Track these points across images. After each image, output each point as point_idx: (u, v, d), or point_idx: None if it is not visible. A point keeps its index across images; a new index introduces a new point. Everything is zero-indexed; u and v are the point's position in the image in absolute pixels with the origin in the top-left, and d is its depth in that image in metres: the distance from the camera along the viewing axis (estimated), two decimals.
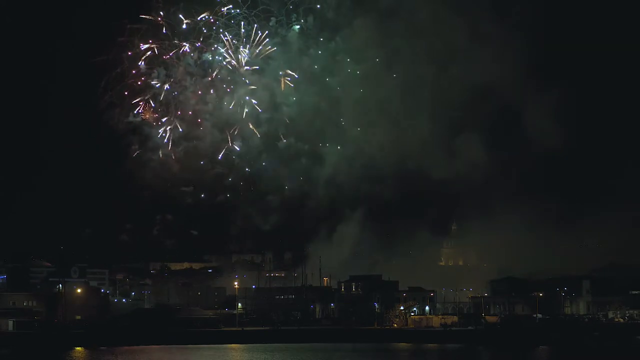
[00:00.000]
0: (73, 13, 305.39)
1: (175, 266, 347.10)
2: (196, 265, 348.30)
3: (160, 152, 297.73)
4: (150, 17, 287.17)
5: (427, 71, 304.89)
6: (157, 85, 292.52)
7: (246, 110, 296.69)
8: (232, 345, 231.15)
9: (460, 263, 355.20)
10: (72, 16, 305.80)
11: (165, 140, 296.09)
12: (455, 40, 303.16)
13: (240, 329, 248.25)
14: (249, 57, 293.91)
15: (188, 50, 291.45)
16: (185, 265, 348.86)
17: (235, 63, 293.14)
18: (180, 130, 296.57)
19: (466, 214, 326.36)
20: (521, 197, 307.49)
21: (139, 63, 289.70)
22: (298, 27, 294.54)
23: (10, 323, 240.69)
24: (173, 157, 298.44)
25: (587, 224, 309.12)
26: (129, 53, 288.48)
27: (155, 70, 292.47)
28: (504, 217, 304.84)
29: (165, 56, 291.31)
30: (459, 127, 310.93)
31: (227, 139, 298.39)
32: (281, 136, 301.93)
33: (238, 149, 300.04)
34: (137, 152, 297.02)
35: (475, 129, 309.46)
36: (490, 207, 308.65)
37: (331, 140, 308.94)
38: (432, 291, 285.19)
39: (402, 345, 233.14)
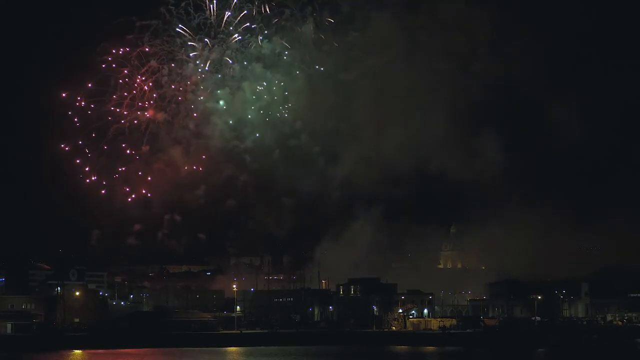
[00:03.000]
0: (81, 9, 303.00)
1: (174, 269, 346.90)
2: (195, 268, 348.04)
3: (169, 152, 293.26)
4: (160, 13, 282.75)
5: (447, 67, 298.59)
6: (166, 83, 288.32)
7: (254, 107, 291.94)
8: (231, 348, 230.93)
9: (459, 266, 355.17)
10: (80, 12, 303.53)
11: (175, 139, 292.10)
12: (477, 35, 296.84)
13: (239, 331, 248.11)
14: (261, 52, 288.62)
15: (198, 46, 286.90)
16: (184, 267, 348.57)
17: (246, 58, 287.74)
18: (190, 128, 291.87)
19: (467, 216, 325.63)
20: (522, 199, 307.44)
21: (149, 60, 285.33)
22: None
23: (9, 326, 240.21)
24: (182, 157, 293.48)
25: (588, 225, 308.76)
26: (138, 50, 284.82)
27: (165, 67, 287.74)
28: (504, 219, 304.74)
29: (176, 53, 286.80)
30: (478, 125, 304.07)
31: (238, 137, 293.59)
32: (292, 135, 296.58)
33: (250, 147, 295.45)
34: (146, 152, 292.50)
35: (494, 127, 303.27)
36: (491, 210, 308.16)
37: (346, 138, 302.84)
38: (431, 294, 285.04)
39: (401, 348, 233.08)
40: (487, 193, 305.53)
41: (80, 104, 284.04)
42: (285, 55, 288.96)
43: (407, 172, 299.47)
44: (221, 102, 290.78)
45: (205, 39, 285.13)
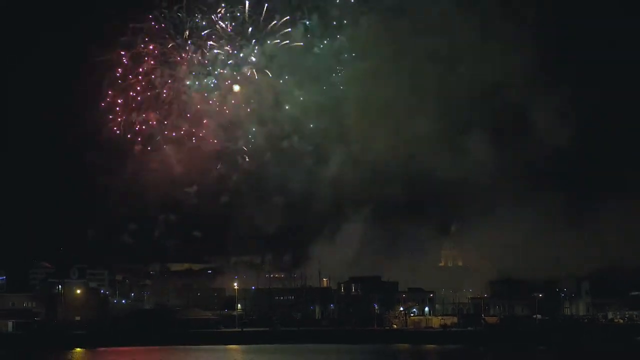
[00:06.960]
0: (77, 12, 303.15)
1: (175, 267, 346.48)
2: (196, 266, 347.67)
3: (163, 152, 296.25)
4: (153, 16, 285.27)
5: (434, 70, 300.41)
6: (159, 85, 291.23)
7: (249, 109, 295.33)
8: (232, 346, 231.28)
9: (460, 264, 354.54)
10: (75, 15, 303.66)
11: (168, 140, 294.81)
12: (463, 37, 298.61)
13: (240, 329, 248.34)
14: (253, 55, 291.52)
15: (191, 49, 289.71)
16: (185, 266, 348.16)
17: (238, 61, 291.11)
18: (183, 130, 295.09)
19: (466, 214, 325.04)
20: (522, 197, 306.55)
21: (142, 62, 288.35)
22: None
23: (10, 324, 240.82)
24: (176, 157, 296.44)
25: (588, 224, 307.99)
26: (132, 52, 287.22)
27: (158, 70, 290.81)
28: (504, 217, 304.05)
29: (169, 55, 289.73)
30: (465, 126, 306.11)
31: (231, 138, 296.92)
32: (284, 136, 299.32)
33: (242, 148, 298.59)
34: (140, 152, 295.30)
35: (482, 128, 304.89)
36: (491, 208, 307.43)
37: (336, 139, 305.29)
38: (432, 292, 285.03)
39: (402, 346, 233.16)
40: (483, 192, 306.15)
41: (74, 105, 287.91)
42: (276, 58, 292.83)
43: (396, 172, 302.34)
44: (213, 104, 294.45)
45: (199, 42, 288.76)
